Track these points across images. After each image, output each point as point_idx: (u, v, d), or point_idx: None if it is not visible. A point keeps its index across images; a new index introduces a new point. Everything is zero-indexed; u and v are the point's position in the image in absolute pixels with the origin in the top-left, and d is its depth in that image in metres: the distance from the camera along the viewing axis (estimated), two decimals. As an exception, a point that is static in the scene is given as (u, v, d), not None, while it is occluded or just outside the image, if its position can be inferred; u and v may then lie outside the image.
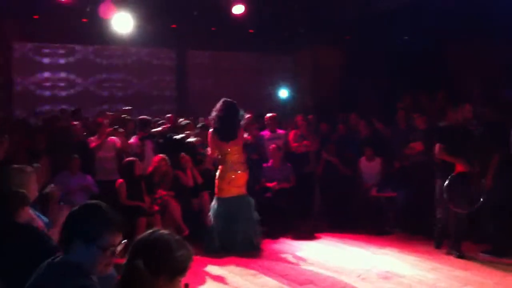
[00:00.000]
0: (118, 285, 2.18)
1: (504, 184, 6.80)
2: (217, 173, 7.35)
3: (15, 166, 3.89)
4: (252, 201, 7.43)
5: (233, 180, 7.24)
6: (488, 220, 6.94)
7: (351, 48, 11.89)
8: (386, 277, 5.99)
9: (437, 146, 6.97)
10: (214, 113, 7.27)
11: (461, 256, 6.70)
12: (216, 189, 7.35)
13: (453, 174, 6.79)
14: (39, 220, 3.89)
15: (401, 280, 5.85)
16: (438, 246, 7.19)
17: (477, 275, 5.98)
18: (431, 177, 7.90)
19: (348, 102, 11.21)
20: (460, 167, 6.80)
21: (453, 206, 6.76)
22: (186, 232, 7.20)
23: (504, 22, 8.63)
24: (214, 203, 7.36)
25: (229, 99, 7.31)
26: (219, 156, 7.37)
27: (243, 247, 7.12)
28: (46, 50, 12.00)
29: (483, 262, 6.52)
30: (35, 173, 3.97)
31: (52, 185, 6.40)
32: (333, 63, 12.26)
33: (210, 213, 7.35)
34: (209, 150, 7.49)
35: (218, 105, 7.25)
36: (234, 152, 7.28)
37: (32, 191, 3.85)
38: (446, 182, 6.76)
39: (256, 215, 7.37)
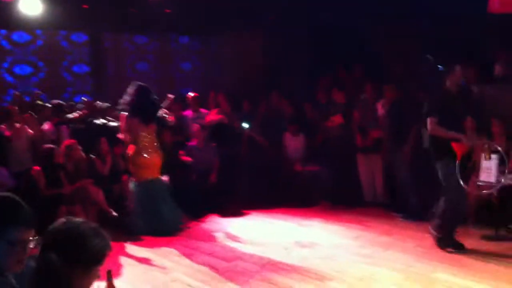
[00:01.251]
0: (33, 279, 2.05)
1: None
2: (130, 158, 7.23)
3: None
4: (166, 183, 7.37)
5: (145, 164, 7.12)
6: (408, 187, 7.22)
7: (272, 28, 11.90)
8: (313, 247, 6.10)
9: (429, 121, 5.82)
10: (128, 97, 7.12)
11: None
12: (132, 174, 7.28)
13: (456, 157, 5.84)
14: None
15: (327, 250, 5.97)
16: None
17: (399, 240, 6.21)
18: (352, 150, 8.15)
19: (271, 81, 11.23)
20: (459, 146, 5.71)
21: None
22: (114, 214, 7.12)
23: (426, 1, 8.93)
24: (131, 187, 7.27)
25: (142, 83, 7.24)
26: (132, 139, 7.20)
27: (165, 229, 7.01)
28: None
29: (405, 227, 6.78)
30: None
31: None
32: (255, 43, 12.26)
33: (130, 198, 7.24)
34: (121, 134, 7.34)
35: (131, 89, 7.12)
36: (147, 136, 7.17)
37: None
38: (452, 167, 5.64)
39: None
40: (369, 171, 8.14)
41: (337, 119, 8.35)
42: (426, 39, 9.46)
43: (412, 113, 7.17)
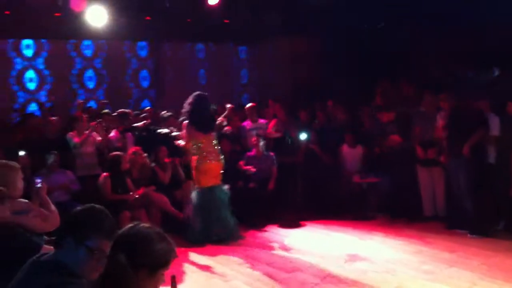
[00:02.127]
0: (99, 280, 2.15)
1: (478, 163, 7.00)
2: (193, 165, 7.36)
3: (1, 161, 3.78)
4: (227, 191, 7.44)
5: (208, 170, 7.24)
6: (469, 199, 7.02)
7: (326, 35, 11.89)
8: (372, 261, 6.04)
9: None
10: (188, 106, 7.28)
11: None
12: (194, 180, 7.39)
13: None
14: (36, 216, 3.76)
15: (386, 264, 5.90)
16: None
17: (462, 257, 6.06)
18: (412, 162, 8.03)
19: (325, 89, 11.22)
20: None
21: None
22: (181, 215, 7.35)
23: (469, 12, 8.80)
24: (193, 194, 7.37)
25: (201, 92, 7.39)
26: (193, 147, 7.33)
27: (225, 236, 7.17)
28: (20, 46, 11.75)
29: (468, 243, 6.60)
30: (20, 170, 3.85)
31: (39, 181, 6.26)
32: (308, 51, 12.27)
33: (191, 204, 7.35)
34: (182, 141, 7.48)
35: (191, 98, 7.28)
36: (209, 143, 7.29)
37: (18, 187, 3.75)
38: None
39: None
40: (430, 184, 7.99)
41: (397, 139, 8.24)
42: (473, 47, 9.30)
43: (471, 120, 7.10)
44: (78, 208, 2.39)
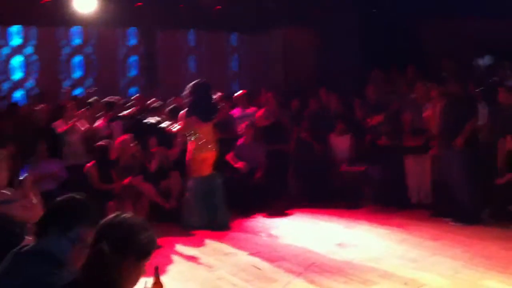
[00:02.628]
0: (82, 269, 2.15)
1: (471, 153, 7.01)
2: (188, 153, 7.33)
3: None
4: (220, 180, 7.46)
5: (204, 159, 7.25)
6: (460, 187, 7.06)
7: (322, 25, 11.85)
8: (357, 250, 6.06)
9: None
10: (188, 95, 7.21)
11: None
12: (190, 169, 7.36)
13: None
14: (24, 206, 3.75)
15: (371, 252, 5.93)
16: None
17: (446, 244, 6.09)
18: (401, 151, 8.06)
19: (321, 79, 11.21)
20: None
21: None
22: (167, 205, 7.38)
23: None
24: (190, 183, 7.36)
25: (200, 80, 7.34)
26: (190, 136, 7.31)
27: (217, 225, 7.19)
28: (5, 32, 11.65)
29: (452, 231, 6.64)
30: (6, 159, 3.85)
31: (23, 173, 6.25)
32: (305, 40, 12.24)
33: (189, 193, 7.35)
34: (177, 127, 7.41)
35: (192, 86, 7.21)
36: (207, 132, 7.27)
37: (2, 177, 3.75)
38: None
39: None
40: (418, 172, 8.03)
41: (377, 118, 8.26)
42: (478, 38, 9.29)
43: (467, 110, 7.12)
44: (60, 197, 2.41)
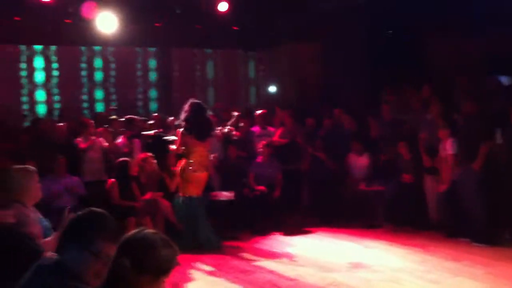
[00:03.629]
0: (103, 284, 2.16)
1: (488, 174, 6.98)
2: (178, 170, 7.34)
3: (16, 166, 3.78)
4: (205, 201, 7.46)
5: (194, 180, 7.25)
6: (478, 208, 6.98)
7: (330, 42, 11.92)
8: (376, 270, 6.01)
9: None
10: (184, 114, 7.28)
11: None
12: (179, 187, 7.37)
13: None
14: (36, 223, 3.76)
15: (391, 273, 5.87)
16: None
17: (467, 265, 6.02)
18: (419, 171, 8.01)
19: (330, 96, 11.24)
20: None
21: None
22: (181, 226, 7.26)
23: (484, 17, 8.76)
24: (178, 201, 7.34)
25: (195, 100, 7.43)
26: (185, 153, 7.32)
27: (206, 246, 7.12)
28: (28, 52, 11.86)
29: (473, 252, 6.56)
30: (35, 173, 3.85)
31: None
32: (313, 57, 12.31)
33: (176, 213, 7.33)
34: (174, 146, 7.47)
35: (187, 105, 7.28)
36: (203, 151, 7.30)
37: (35, 191, 3.76)
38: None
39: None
40: (436, 192, 7.94)
41: (407, 177, 8.18)
42: (492, 56, 9.26)
43: (484, 129, 7.09)
44: (80, 212, 2.41)
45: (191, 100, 7.38)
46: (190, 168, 7.20)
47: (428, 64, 10.19)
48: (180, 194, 7.33)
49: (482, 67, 9.55)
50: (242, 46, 13.40)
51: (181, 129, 7.29)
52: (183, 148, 7.26)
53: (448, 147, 7.42)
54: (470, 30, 9.34)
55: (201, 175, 7.29)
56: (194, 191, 7.25)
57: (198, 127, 7.21)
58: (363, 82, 10.94)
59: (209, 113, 7.56)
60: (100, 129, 8.11)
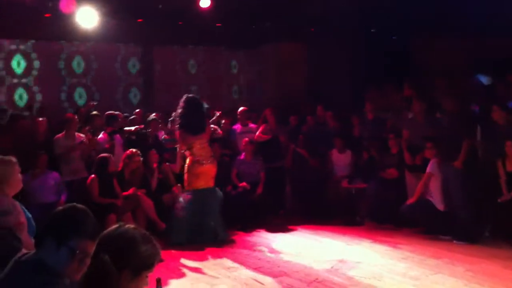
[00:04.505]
0: (83, 280, 2.14)
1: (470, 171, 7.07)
2: (185, 167, 7.39)
3: None
4: (220, 194, 7.51)
5: (201, 173, 7.28)
6: (460, 206, 7.07)
7: (315, 41, 11.97)
8: (358, 267, 6.05)
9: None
10: (178, 110, 7.37)
11: None
12: (185, 183, 7.40)
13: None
14: (22, 215, 3.73)
15: (373, 270, 5.91)
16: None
17: (448, 263, 6.07)
18: (400, 169, 8.08)
19: (314, 95, 11.28)
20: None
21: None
22: (163, 226, 7.27)
23: (466, 18, 8.88)
24: (184, 196, 7.38)
25: (191, 95, 7.49)
26: (186, 150, 7.39)
27: (209, 239, 7.20)
28: (9, 46, 11.67)
29: (454, 249, 6.63)
30: (16, 164, 3.85)
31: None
32: (298, 56, 12.35)
33: (181, 206, 7.34)
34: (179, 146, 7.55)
35: (181, 101, 7.36)
36: (201, 146, 7.32)
37: (16, 182, 3.75)
38: None
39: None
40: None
41: (393, 172, 8.25)
42: (473, 54, 9.39)
43: (466, 127, 7.19)
44: (60, 208, 2.39)
45: (185, 95, 7.43)
46: (196, 161, 7.24)
47: (410, 63, 10.30)
48: (187, 187, 7.36)
49: (464, 67, 9.69)
50: (225, 44, 13.38)
51: (176, 126, 7.37)
52: (185, 145, 7.32)
53: (429, 166, 7.43)
54: (453, 31, 9.47)
55: (207, 167, 7.32)
56: (202, 183, 7.28)
57: (188, 122, 7.25)
58: (347, 82, 11.02)
59: (205, 106, 7.57)
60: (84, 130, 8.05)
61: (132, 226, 2.26)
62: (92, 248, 2.26)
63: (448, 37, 9.95)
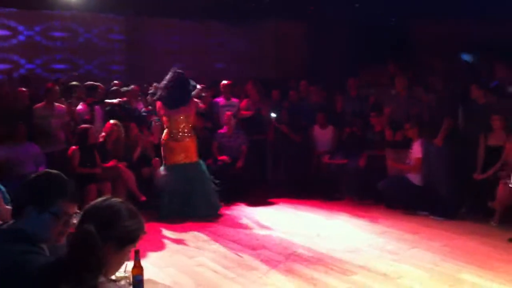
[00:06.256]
0: (67, 249, 2.12)
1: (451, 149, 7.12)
2: (161, 140, 7.40)
3: None
4: (204, 166, 7.48)
5: (175, 147, 7.26)
6: (440, 183, 7.13)
7: (313, 20, 11.89)
8: (337, 241, 6.11)
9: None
10: (163, 83, 7.34)
11: None
12: (162, 158, 7.42)
13: None
14: None
15: (351, 244, 5.98)
16: None
17: (425, 238, 6.16)
18: (381, 145, 8.12)
19: (310, 71, 11.26)
20: None
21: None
22: (143, 198, 7.26)
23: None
24: (162, 170, 7.38)
25: (178, 70, 7.36)
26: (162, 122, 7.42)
27: (201, 212, 7.19)
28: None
29: (432, 225, 6.72)
30: None
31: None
32: (295, 34, 12.28)
33: (161, 180, 7.35)
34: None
35: (168, 75, 7.29)
36: (180, 121, 7.28)
37: None
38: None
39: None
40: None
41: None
42: (464, 38, 9.40)
43: (448, 106, 7.25)
44: (34, 175, 2.35)
45: (173, 70, 7.34)
46: (170, 136, 7.23)
47: (404, 43, 10.32)
48: (165, 162, 7.35)
49: (452, 47, 9.71)
50: (221, 17, 13.15)
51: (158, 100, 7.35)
52: (165, 118, 7.30)
53: (416, 150, 7.44)
54: (448, 13, 9.46)
55: (184, 143, 7.28)
56: (178, 158, 7.25)
57: (167, 95, 7.22)
58: (345, 61, 10.98)
59: (193, 84, 7.52)
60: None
61: (119, 199, 2.25)
62: (73, 209, 2.27)
63: (445, 20, 9.94)
